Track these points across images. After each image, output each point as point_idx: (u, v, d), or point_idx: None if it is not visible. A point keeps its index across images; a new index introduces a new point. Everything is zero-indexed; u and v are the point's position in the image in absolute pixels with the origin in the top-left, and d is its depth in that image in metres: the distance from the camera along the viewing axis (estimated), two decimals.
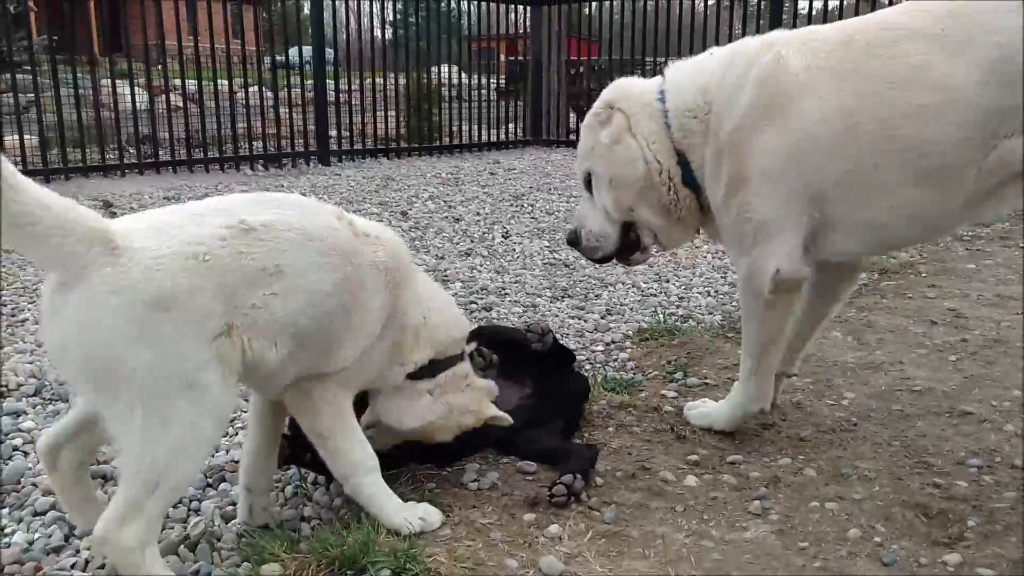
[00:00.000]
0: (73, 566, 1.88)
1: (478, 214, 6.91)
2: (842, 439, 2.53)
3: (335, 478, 2.02)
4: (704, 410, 2.59)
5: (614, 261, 2.61)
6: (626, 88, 2.47)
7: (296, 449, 2.10)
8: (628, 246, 2.53)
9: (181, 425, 1.55)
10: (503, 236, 6.05)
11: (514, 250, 5.62)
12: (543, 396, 2.47)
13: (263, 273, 1.65)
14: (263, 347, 1.67)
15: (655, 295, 4.41)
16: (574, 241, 2.59)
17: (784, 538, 1.97)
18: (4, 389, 2.92)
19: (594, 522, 2.01)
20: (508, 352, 2.48)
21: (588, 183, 2.52)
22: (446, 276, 4.79)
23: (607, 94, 2.49)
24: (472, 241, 5.87)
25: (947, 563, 1.86)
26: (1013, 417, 2.69)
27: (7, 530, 2.03)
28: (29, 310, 3.89)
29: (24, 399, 2.88)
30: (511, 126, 12.43)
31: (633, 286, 4.59)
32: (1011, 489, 2.19)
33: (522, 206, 7.40)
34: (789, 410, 2.74)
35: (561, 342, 2.83)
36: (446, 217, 6.76)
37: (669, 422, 2.62)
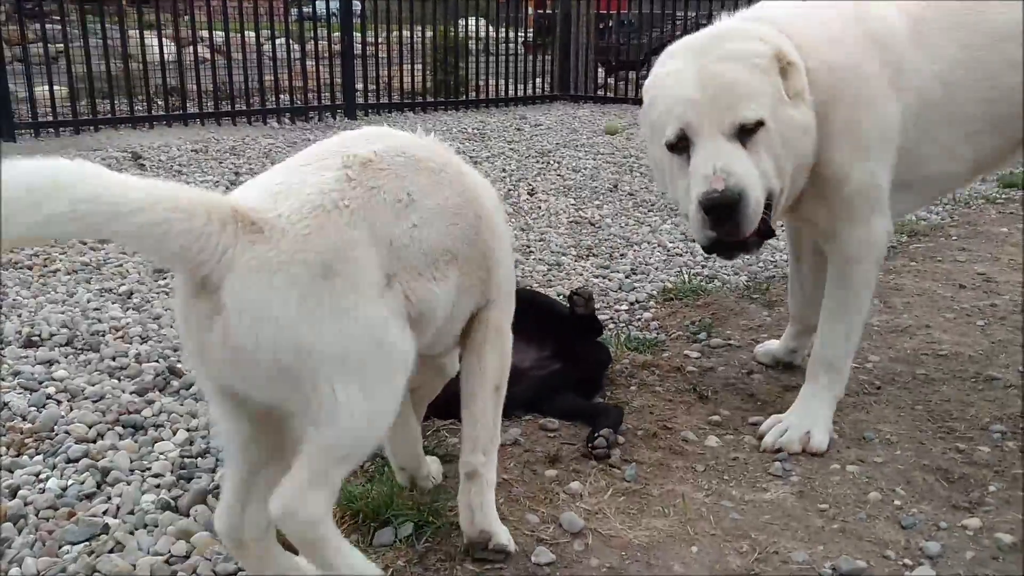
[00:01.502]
0: (105, 512, 1.93)
1: (504, 171, 6.88)
2: (865, 402, 2.52)
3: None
4: (785, 425, 2.25)
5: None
6: (780, 40, 2.09)
7: None
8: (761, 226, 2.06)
9: (380, 389, 1.43)
10: (528, 193, 6.02)
11: (539, 207, 5.60)
12: (566, 359, 2.48)
13: (399, 205, 1.49)
14: (425, 289, 1.52)
15: (681, 255, 4.40)
16: (734, 202, 1.95)
17: (803, 500, 1.98)
18: (37, 339, 2.98)
19: (615, 480, 2.03)
20: (531, 315, 2.49)
21: (740, 132, 2.00)
22: None
23: (764, 33, 2.09)
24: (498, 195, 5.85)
25: (966, 527, 1.86)
26: None
27: (42, 476, 2.08)
28: (60, 260, 3.94)
29: (56, 348, 2.93)
30: (538, 81, 12.29)
31: (659, 246, 4.57)
32: None
33: (548, 163, 7.35)
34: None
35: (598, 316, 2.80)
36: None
37: (692, 382, 2.63)
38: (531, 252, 4.42)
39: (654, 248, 4.53)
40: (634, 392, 2.55)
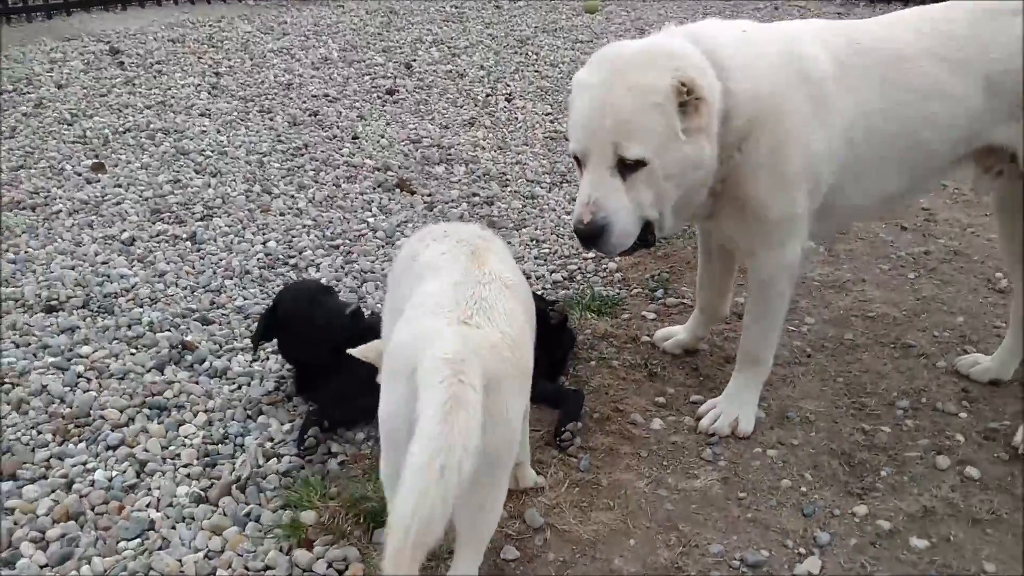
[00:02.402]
0: (148, 505, 2.31)
1: (482, 67, 6.96)
2: (794, 374, 2.91)
3: None
4: (718, 411, 2.60)
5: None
6: (699, 63, 2.18)
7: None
8: (641, 238, 2.28)
9: None
10: (506, 99, 6.17)
11: (516, 117, 5.78)
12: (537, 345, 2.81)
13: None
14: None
15: None
16: (596, 234, 2.17)
17: (727, 487, 2.39)
18: (56, 302, 3.28)
19: (571, 470, 2.43)
20: None
21: (621, 166, 2.14)
22: (450, 156, 5.01)
23: (682, 61, 2.16)
24: (476, 105, 6.01)
25: (855, 514, 2.29)
26: (948, 351, 3.05)
27: (88, 466, 2.45)
28: (60, 199, 4.16)
29: (74, 312, 3.24)
30: None
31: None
32: (926, 436, 2.60)
33: (527, 55, 7.42)
34: None
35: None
36: (449, 71, 6.82)
37: (644, 356, 3.00)
38: (507, 182, 4.67)
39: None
40: (593, 368, 2.92)
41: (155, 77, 6.41)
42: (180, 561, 2.11)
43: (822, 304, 3.38)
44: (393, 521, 1.42)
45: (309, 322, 2.68)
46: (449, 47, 7.59)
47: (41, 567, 2.10)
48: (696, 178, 2.23)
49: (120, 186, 4.42)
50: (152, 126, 5.29)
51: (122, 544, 2.17)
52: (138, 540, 2.18)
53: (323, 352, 2.61)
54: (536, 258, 3.81)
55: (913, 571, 2.11)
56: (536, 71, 6.97)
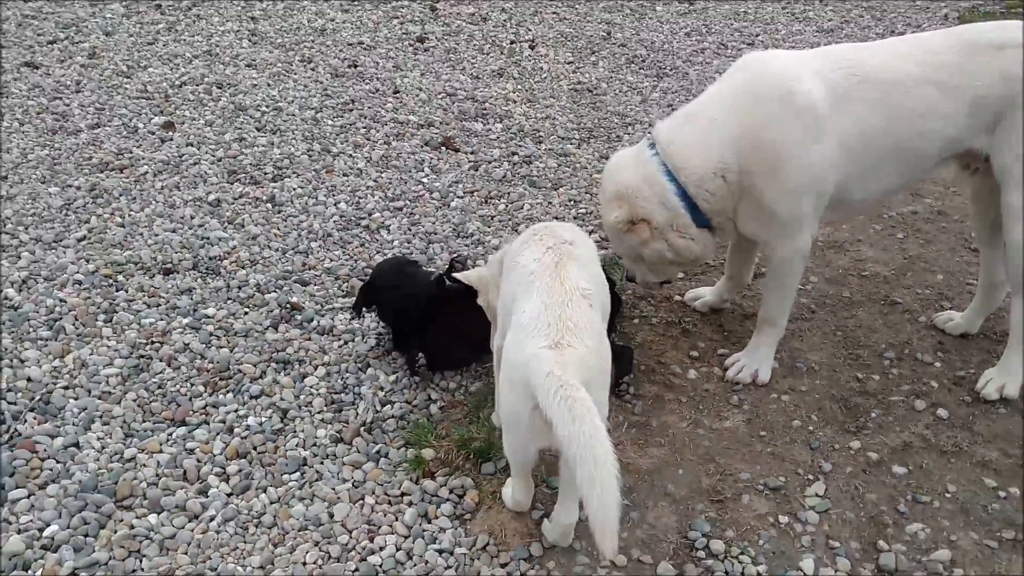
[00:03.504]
0: (297, 445, 2.93)
1: (503, 10, 7.33)
2: (801, 329, 3.52)
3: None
4: (741, 364, 3.23)
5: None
6: (634, 185, 2.98)
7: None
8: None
9: None
10: (530, 47, 6.59)
11: (541, 67, 6.23)
12: None
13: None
14: None
15: None
16: (634, 279, 3.43)
17: (750, 427, 3.03)
18: (170, 265, 3.84)
19: (628, 414, 3.06)
20: None
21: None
22: (485, 111, 5.49)
23: (617, 190, 3.03)
24: (502, 53, 6.44)
25: (851, 448, 2.94)
26: (928, 307, 3.67)
27: (239, 413, 3.06)
28: (143, 159, 4.65)
29: (187, 274, 3.79)
30: None
31: (649, 126, 5.33)
32: (907, 382, 3.24)
33: None
34: None
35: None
36: (472, 15, 7.20)
37: (678, 315, 3.61)
38: (541, 140, 5.17)
39: (647, 129, 5.29)
40: (636, 326, 3.53)
41: (194, 22, 6.78)
42: (334, 489, 2.75)
43: (823, 263, 3.98)
44: (606, 498, 1.89)
45: (399, 292, 3.26)
46: None
47: (227, 495, 2.73)
48: (666, 256, 3.11)
49: (192, 145, 4.90)
50: (207, 79, 5.72)
51: (285, 477, 2.80)
52: (298, 473, 2.81)
53: (414, 317, 3.20)
54: (575, 218, 4.37)
55: (894, 492, 2.77)
56: (554, 13, 7.35)
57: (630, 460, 2.84)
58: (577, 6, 7.52)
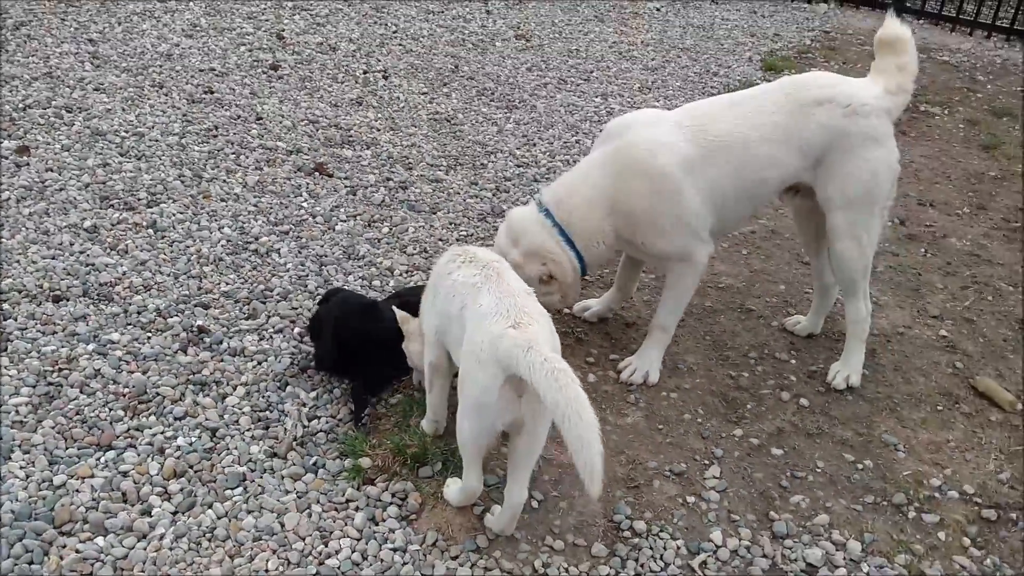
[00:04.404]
0: (233, 462, 2.99)
1: (350, 40, 7.49)
2: (676, 335, 3.92)
3: None
4: (633, 367, 3.58)
5: None
6: (550, 249, 3.38)
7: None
8: None
9: None
10: (383, 77, 6.81)
11: (398, 97, 6.45)
12: None
13: None
14: None
15: (526, 166, 5.55)
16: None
17: (649, 421, 3.40)
18: (59, 292, 3.74)
19: None
20: None
21: None
22: (351, 138, 5.65)
23: (534, 249, 3.37)
24: (357, 83, 6.61)
25: (735, 435, 3.37)
26: (777, 312, 4.22)
27: (166, 435, 3.07)
28: (3, 186, 4.47)
29: (79, 301, 3.71)
30: None
31: (510, 155, 5.69)
32: (771, 378, 3.73)
33: (386, 25, 7.99)
34: (643, 311, 4.12)
35: None
36: (321, 44, 7.31)
37: (569, 325, 3.95)
38: (411, 166, 5.40)
39: (507, 158, 5.64)
40: None
41: (25, 42, 6.49)
42: (280, 501, 2.85)
43: None
44: (592, 452, 2.19)
45: (369, 339, 3.28)
46: (311, 14, 8.02)
47: (172, 513, 2.76)
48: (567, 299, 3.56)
49: (52, 170, 4.74)
50: (54, 103, 5.52)
51: (228, 492, 2.87)
52: (240, 488, 2.88)
53: (379, 356, 3.29)
54: (458, 239, 4.63)
55: (775, 471, 3.22)
56: (400, 44, 7.60)
57: (552, 456, 3.12)
58: (422, 39, 7.80)
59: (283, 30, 7.51)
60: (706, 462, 3.21)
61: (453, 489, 2.85)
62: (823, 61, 8.50)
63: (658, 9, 9.80)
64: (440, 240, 4.57)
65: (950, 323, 4.27)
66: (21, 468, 2.84)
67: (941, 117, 7.33)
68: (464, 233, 4.69)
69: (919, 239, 5.15)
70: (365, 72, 6.84)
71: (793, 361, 3.86)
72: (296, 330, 3.69)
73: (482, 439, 2.59)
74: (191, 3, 7.85)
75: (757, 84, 7.60)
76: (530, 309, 2.57)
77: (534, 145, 5.91)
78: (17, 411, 3.07)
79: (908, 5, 10.15)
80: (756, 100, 3.46)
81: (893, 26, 3.57)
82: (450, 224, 4.77)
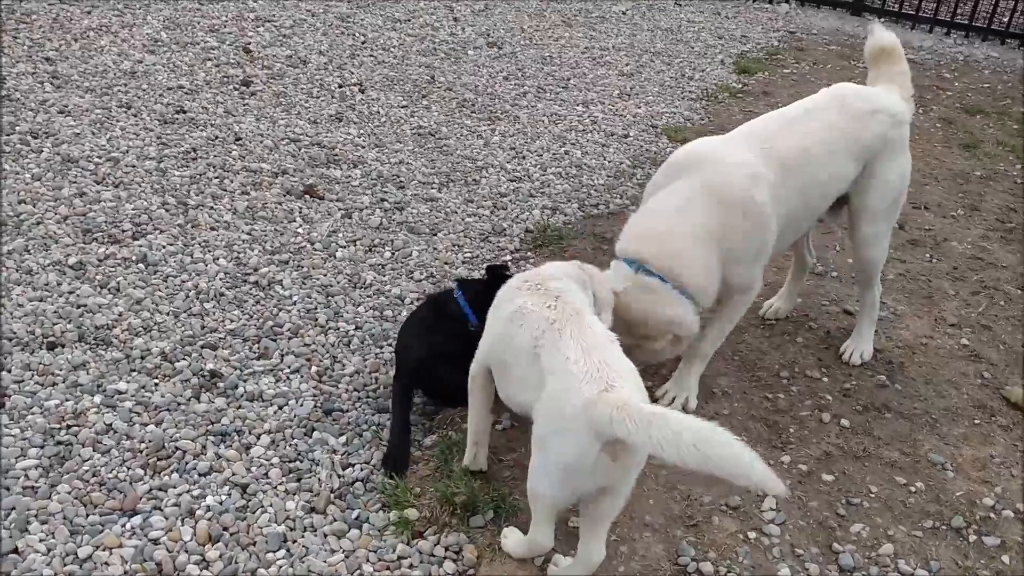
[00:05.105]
0: (270, 521, 2.79)
1: (320, 52, 7.24)
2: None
3: None
4: (672, 395, 3.46)
5: None
6: (680, 319, 3.11)
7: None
8: None
9: None
10: (360, 90, 6.59)
11: (378, 112, 6.24)
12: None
13: None
14: None
15: (519, 180, 5.40)
16: None
17: None
18: (53, 339, 3.47)
19: None
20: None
21: None
22: (336, 156, 5.43)
23: (664, 322, 3.08)
24: (333, 97, 6.38)
25: (783, 462, 3.27)
26: (800, 327, 4.14)
27: (193, 494, 2.85)
28: None
29: (75, 347, 3.46)
30: None
31: (501, 169, 5.53)
32: (807, 398, 3.64)
33: (354, 35, 7.75)
34: None
35: None
36: (290, 57, 7.05)
37: None
38: (403, 185, 5.20)
39: (499, 173, 5.48)
40: None
41: None
42: (327, 563, 2.65)
43: None
44: (753, 469, 2.08)
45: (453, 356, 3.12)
46: (275, 25, 7.75)
47: None
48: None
49: (25, 202, 4.45)
50: (18, 128, 5.20)
51: (270, 556, 2.66)
52: (283, 551, 2.68)
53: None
54: (464, 263, 4.46)
55: (830, 498, 3.12)
56: (371, 55, 7.37)
57: None
58: (392, 49, 7.59)
59: (249, 43, 7.23)
60: (760, 493, 3.10)
61: (513, 540, 2.69)
62: (794, 63, 8.51)
63: (624, 12, 9.72)
64: (446, 264, 4.39)
65: (969, 331, 4.24)
66: (41, 541, 2.60)
67: (917, 116, 7.37)
68: (469, 255, 4.52)
69: (922, 244, 5.13)
70: (340, 86, 6.61)
71: (825, 379, 3.78)
72: (313, 369, 3.48)
73: (561, 502, 2.43)
74: (148, 17, 7.50)
75: (734, 87, 7.62)
76: (618, 367, 2.38)
77: (524, 158, 5.75)
78: (27, 475, 2.82)
79: (868, 4, 10.24)
80: (814, 114, 3.41)
81: (883, 35, 3.65)
82: (453, 246, 4.60)
